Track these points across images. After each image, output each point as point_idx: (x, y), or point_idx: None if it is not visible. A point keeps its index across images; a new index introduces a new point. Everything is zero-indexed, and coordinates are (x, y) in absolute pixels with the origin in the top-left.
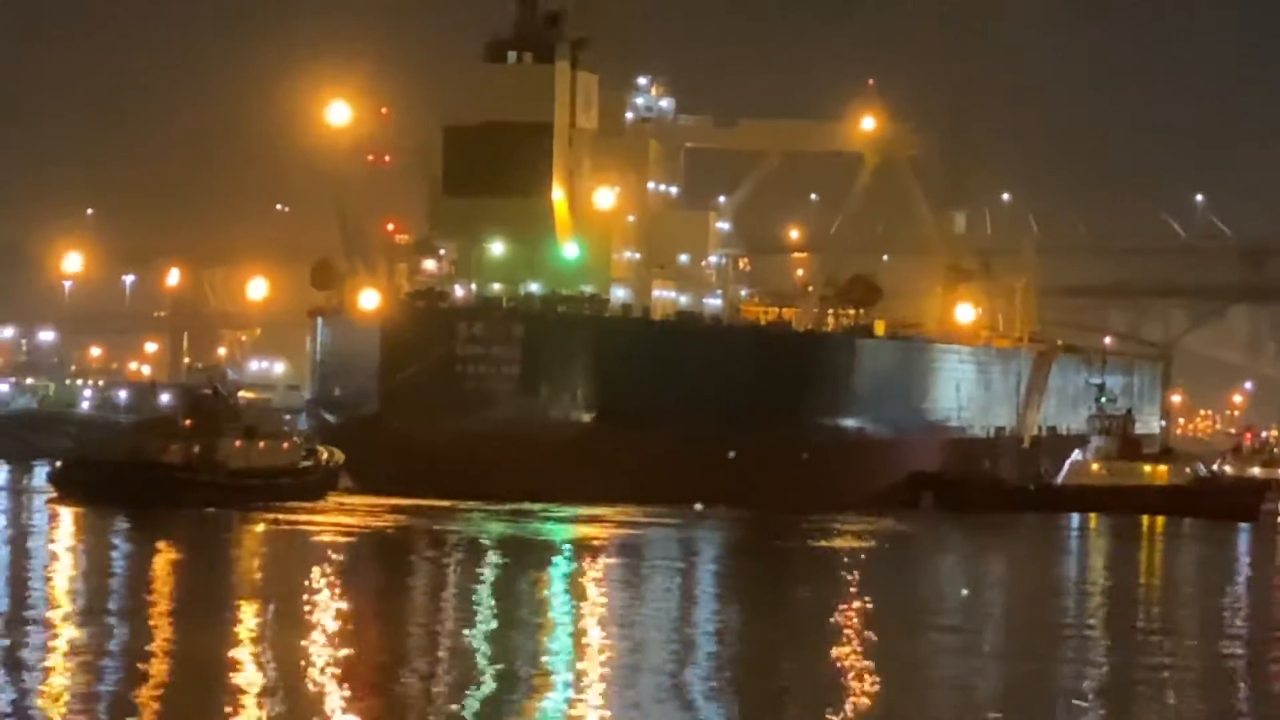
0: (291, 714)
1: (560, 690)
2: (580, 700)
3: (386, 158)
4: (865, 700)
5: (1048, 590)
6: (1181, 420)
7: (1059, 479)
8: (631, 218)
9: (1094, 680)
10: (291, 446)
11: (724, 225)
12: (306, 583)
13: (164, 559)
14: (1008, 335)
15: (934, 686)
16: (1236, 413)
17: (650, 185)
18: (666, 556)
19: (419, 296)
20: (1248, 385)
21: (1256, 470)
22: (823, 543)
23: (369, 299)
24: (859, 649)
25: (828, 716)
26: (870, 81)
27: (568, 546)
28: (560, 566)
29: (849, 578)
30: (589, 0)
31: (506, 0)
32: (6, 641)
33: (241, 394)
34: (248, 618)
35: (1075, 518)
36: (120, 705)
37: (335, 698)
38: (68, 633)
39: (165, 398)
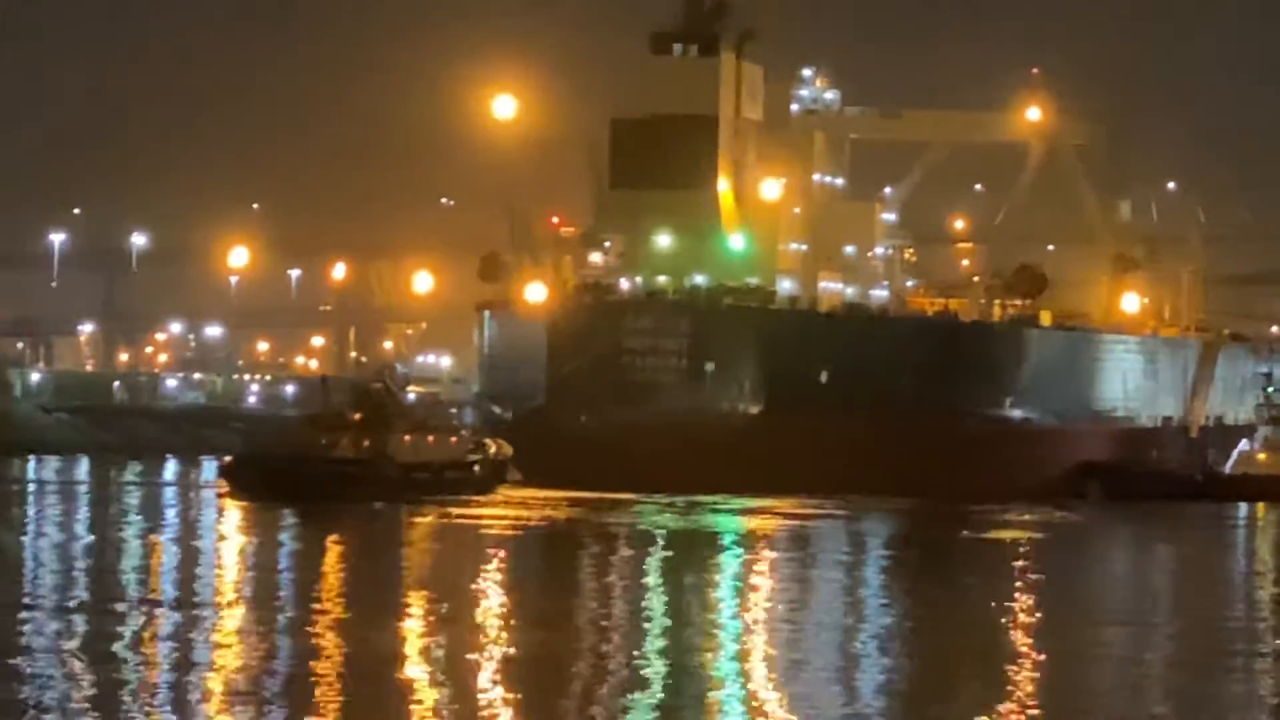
0: (460, 707)
1: (730, 682)
2: (750, 692)
3: (552, 151)
4: (1032, 690)
5: (1217, 580)
6: None
7: (1226, 468)
8: (797, 209)
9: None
10: (459, 440)
11: (889, 216)
12: (475, 576)
13: (333, 553)
14: (1174, 324)
15: (1101, 676)
16: None
17: (816, 177)
18: (834, 547)
19: (586, 289)
20: None
21: None
22: (991, 533)
23: (536, 292)
24: (1028, 639)
25: (996, 708)
26: (1035, 70)
27: (735, 538)
28: (728, 558)
29: (1017, 568)
30: None
31: None
32: (176, 635)
33: (410, 388)
34: (416, 611)
35: (1242, 507)
36: (289, 700)
37: (503, 691)
38: (237, 627)
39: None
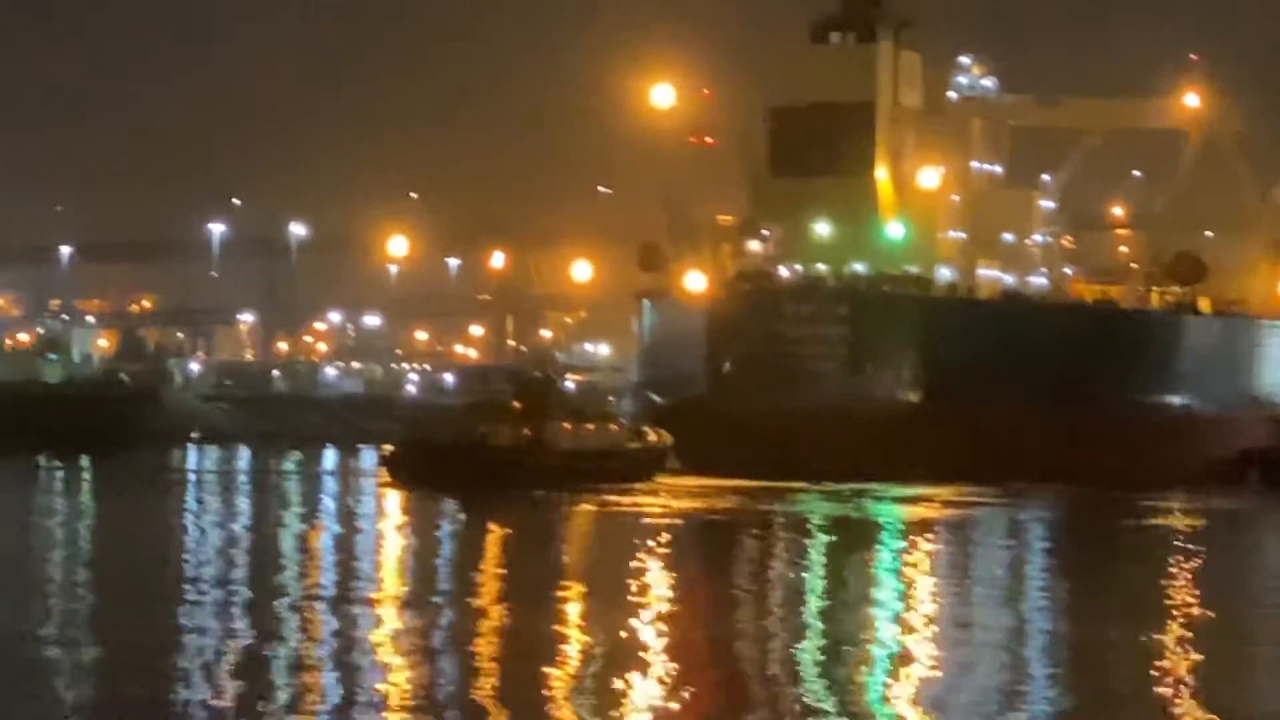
0: (620, 694)
1: (889, 671)
2: (909, 680)
3: (709, 139)
4: (1189, 680)
5: None
6: None
7: None
8: (955, 197)
9: None
10: (619, 428)
11: (1048, 203)
12: (634, 564)
13: (493, 541)
14: None
15: (1262, 666)
16: None
17: (974, 164)
18: (995, 535)
19: (745, 278)
20: None
21: None
22: (1152, 520)
23: (695, 281)
24: (1191, 628)
25: (1157, 693)
26: (1193, 56)
27: (896, 526)
28: (888, 546)
29: (1179, 555)
30: None
31: None
32: (337, 623)
33: (569, 376)
34: (576, 598)
35: None
36: (449, 685)
37: (664, 679)
38: (397, 614)
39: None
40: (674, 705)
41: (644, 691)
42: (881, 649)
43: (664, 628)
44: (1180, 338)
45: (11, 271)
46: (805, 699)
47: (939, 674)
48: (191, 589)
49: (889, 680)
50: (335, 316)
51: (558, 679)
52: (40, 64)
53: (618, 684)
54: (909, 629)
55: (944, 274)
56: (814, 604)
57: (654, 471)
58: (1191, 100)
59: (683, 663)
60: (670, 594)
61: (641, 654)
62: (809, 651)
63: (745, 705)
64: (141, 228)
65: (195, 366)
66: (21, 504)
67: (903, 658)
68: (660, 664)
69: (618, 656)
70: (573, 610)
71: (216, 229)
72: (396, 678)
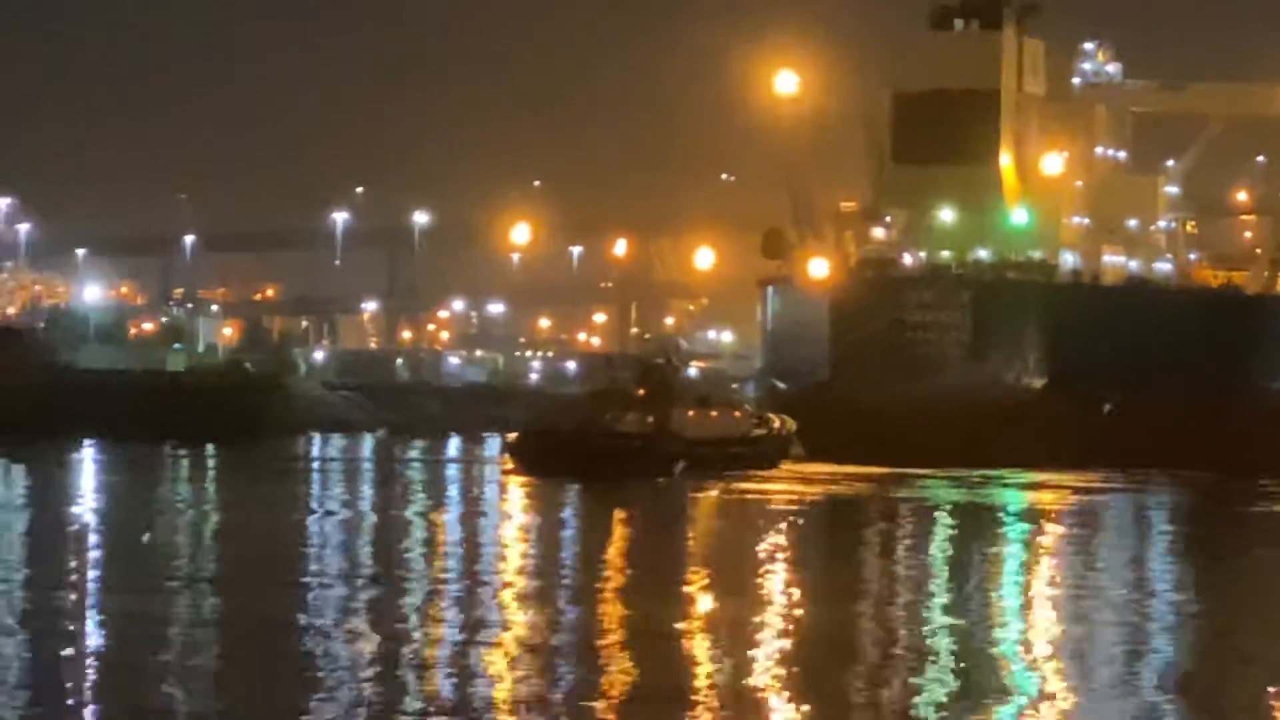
0: (743, 679)
1: (1012, 656)
2: (1035, 668)
3: (833, 126)
4: None
5: None
6: None
7: None
8: (1079, 183)
9: None
10: (743, 415)
11: (1172, 189)
12: (759, 550)
13: (618, 528)
14: None
15: None
16: None
17: (1098, 150)
18: (1119, 522)
19: (868, 265)
20: None
21: None
22: (1278, 506)
23: (818, 267)
24: None
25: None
26: None
27: (1020, 513)
28: (1013, 533)
29: None
30: None
31: None
32: (461, 610)
33: (693, 363)
34: (701, 585)
35: None
36: (571, 674)
37: (786, 663)
38: (520, 603)
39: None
40: (801, 690)
41: (768, 678)
42: (1006, 637)
43: (789, 614)
44: None
45: (136, 261)
46: (931, 686)
47: (1064, 660)
48: (314, 575)
49: (1014, 668)
50: (458, 304)
51: (684, 666)
52: (164, 51)
53: (743, 669)
54: (1033, 615)
55: (1068, 260)
56: (939, 591)
57: (778, 458)
58: None
59: (808, 648)
60: (795, 580)
61: (766, 641)
62: (933, 640)
63: (870, 692)
64: (265, 217)
65: (319, 355)
66: (151, 494)
67: (1027, 644)
68: (785, 650)
69: (742, 642)
70: (698, 597)
71: (340, 217)
72: (513, 656)
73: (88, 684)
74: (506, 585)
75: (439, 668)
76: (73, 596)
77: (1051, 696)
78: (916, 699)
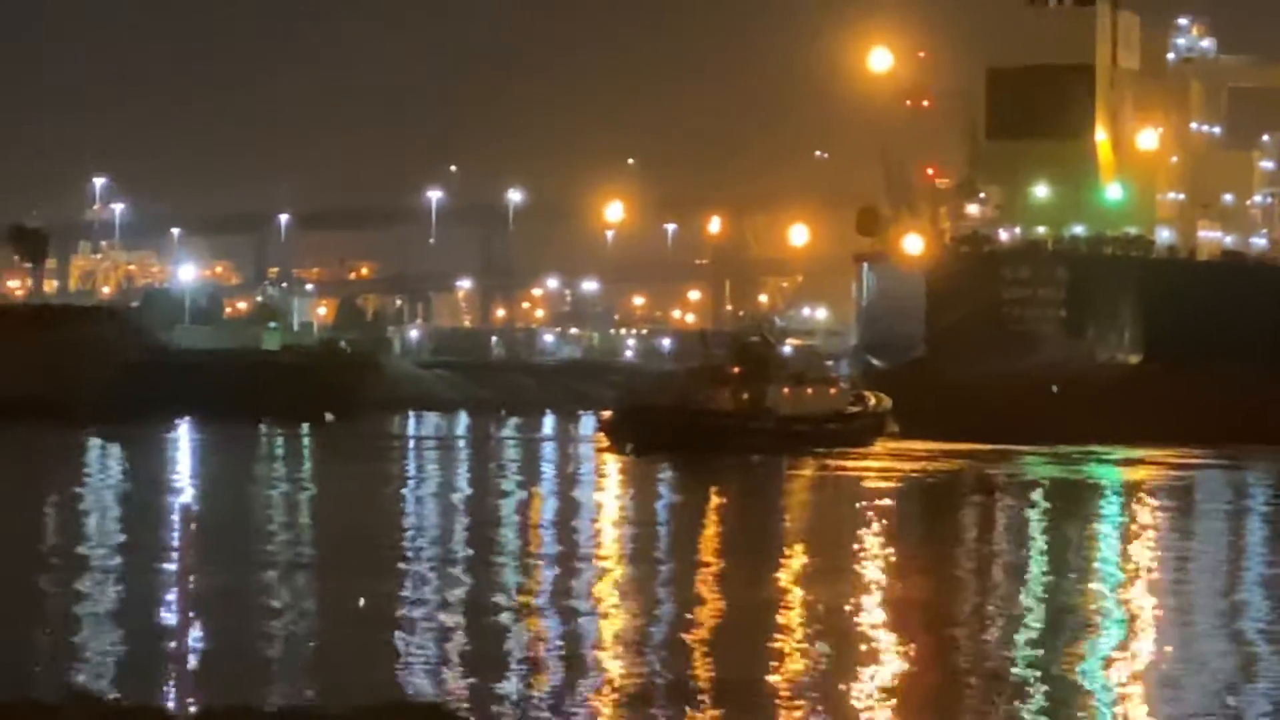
0: (840, 658)
1: (1110, 635)
2: (1131, 646)
3: (926, 102)
4: None
5: None
6: None
7: None
8: (1174, 158)
9: None
10: (838, 392)
11: (1267, 164)
12: (855, 527)
13: (714, 505)
14: None
15: None
16: None
17: (1192, 125)
18: (1216, 498)
19: (963, 240)
20: None
21: None
22: None
23: (913, 244)
24: None
25: None
26: None
27: (1116, 488)
28: (1109, 509)
29: None
30: None
31: None
32: (557, 588)
33: (787, 341)
34: (796, 561)
35: None
36: (669, 650)
37: (884, 643)
38: (617, 578)
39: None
40: (893, 669)
41: (860, 655)
42: (1102, 615)
43: (884, 590)
44: None
45: (230, 240)
46: (1025, 666)
47: (1161, 642)
48: (410, 552)
49: (1111, 647)
50: (553, 282)
51: (778, 642)
52: (258, 29)
53: (836, 648)
54: (1130, 593)
55: (1163, 235)
56: (1035, 568)
57: (874, 435)
58: None
59: (903, 626)
60: (891, 557)
61: (862, 617)
62: (1030, 616)
63: (966, 670)
64: (359, 195)
65: (413, 333)
66: (249, 472)
67: (1124, 623)
68: (880, 627)
69: (837, 620)
70: (794, 572)
71: (434, 196)
72: (611, 633)
73: (190, 663)
74: (602, 561)
75: (536, 645)
76: (170, 573)
77: (1154, 665)
78: (1015, 670)
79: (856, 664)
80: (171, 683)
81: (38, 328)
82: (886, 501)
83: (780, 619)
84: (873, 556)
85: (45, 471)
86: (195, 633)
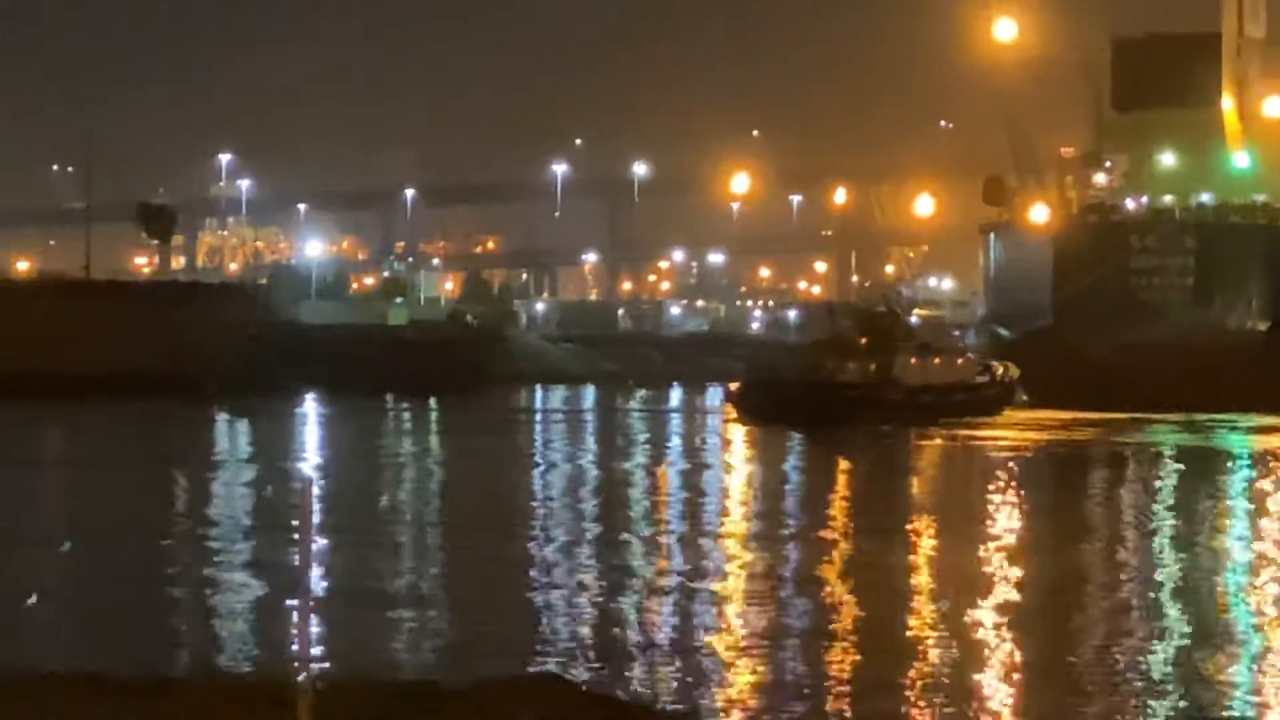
0: (969, 625)
1: (1239, 606)
2: (1258, 615)
3: (1052, 72)
4: None
5: None
6: None
7: None
8: None
9: None
10: (966, 362)
11: None
12: (984, 497)
13: (842, 475)
14: None
15: None
16: None
17: None
18: None
19: (1090, 210)
20: None
21: None
22: None
23: (1039, 213)
24: None
25: None
26: None
27: (1247, 457)
28: (1238, 477)
29: None
30: None
31: None
32: (685, 560)
33: (914, 311)
34: (925, 532)
35: None
36: (797, 620)
37: (1012, 609)
38: (746, 550)
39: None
40: (1025, 638)
41: (995, 624)
42: (1231, 583)
43: (1015, 559)
44: None
45: (356, 215)
46: (1157, 634)
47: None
48: (537, 527)
49: (1239, 615)
50: (679, 255)
51: (910, 611)
52: (383, 5)
53: (969, 618)
54: (1260, 562)
55: None
56: (1164, 537)
57: (1001, 405)
58: None
59: (1034, 595)
60: (1021, 526)
61: (992, 586)
62: (1161, 585)
63: (1094, 639)
64: (484, 169)
65: (540, 307)
66: (375, 446)
67: (1251, 591)
68: (1011, 596)
69: (969, 589)
70: (924, 543)
71: (559, 169)
72: (734, 603)
73: (314, 637)
74: (729, 533)
75: (660, 614)
76: (298, 547)
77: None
78: (1153, 643)
79: (983, 638)
80: (295, 656)
81: (166, 304)
82: (1016, 471)
83: (907, 587)
84: (1001, 525)
85: (175, 446)
86: (320, 608)
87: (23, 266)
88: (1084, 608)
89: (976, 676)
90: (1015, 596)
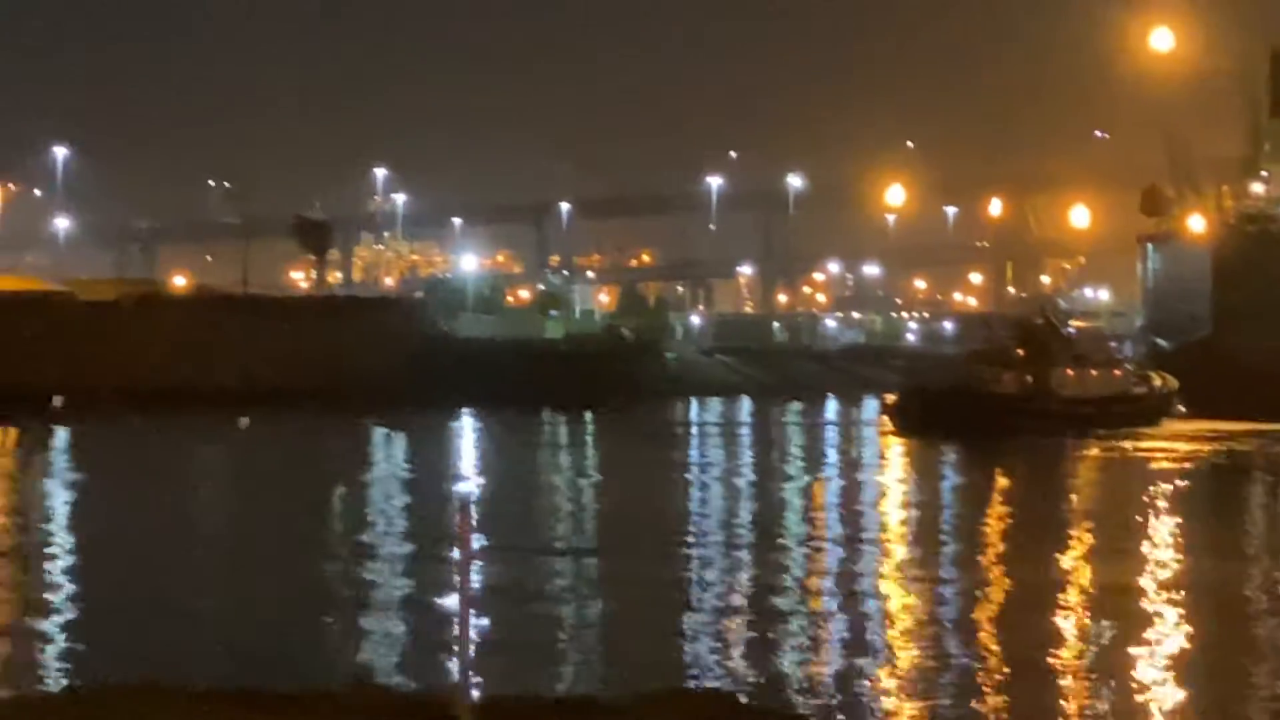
0: (1125, 636)
1: None
2: None
3: (1209, 82)
4: None
5: None
6: None
7: None
8: None
9: None
10: (1123, 373)
11: None
12: (1142, 508)
13: (999, 487)
14: None
15: None
16: None
17: None
18: None
19: (1248, 219)
20: None
21: None
22: None
23: (1198, 223)
24: None
25: None
26: None
27: None
28: None
29: None
30: None
31: None
32: (841, 570)
33: (1071, 322)
34: (1082, 542)
35: None
36: (957, 633)
37: (1170, 621)
38: (901, 559)
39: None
40: (1183, 653)
41: (1154, 638)
42: None
43: (1173, 573)
44: None
45: (510, 228)
46: None
47: None
48: (693, 535)
49: None
50: (834, 267)
51: (1065, 625)
52: (534, 20)
53: (1124, 630)
54: None
55: None
56: None
57: (1160, 416)
58: None
59: (1191, 607)
60: (1180, 539)
61: (1149, 599)
62: None
63: (1257, 655)
64: (639, 182)
65: (695, 320)
66: (532, 459)
67: None
68: (1170, 610)
69: (1125, 601)
70: (1082, 556)
71: (714, 182)
72: (907, 625)
73: (473, 650)
74: (888, 545)
75: (819, 634)
76: (456, 559)
77: None
78: None
79: (1140, 646)
80: (456, 671)
81: (322, 319)
82: (1176, 482)
83: (1066, 599)
84: (1161, 537)
85: (333, 460)
86: (479, 620)
87: (180, 281)
88: (1232, 621)
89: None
90: (1166, 608)
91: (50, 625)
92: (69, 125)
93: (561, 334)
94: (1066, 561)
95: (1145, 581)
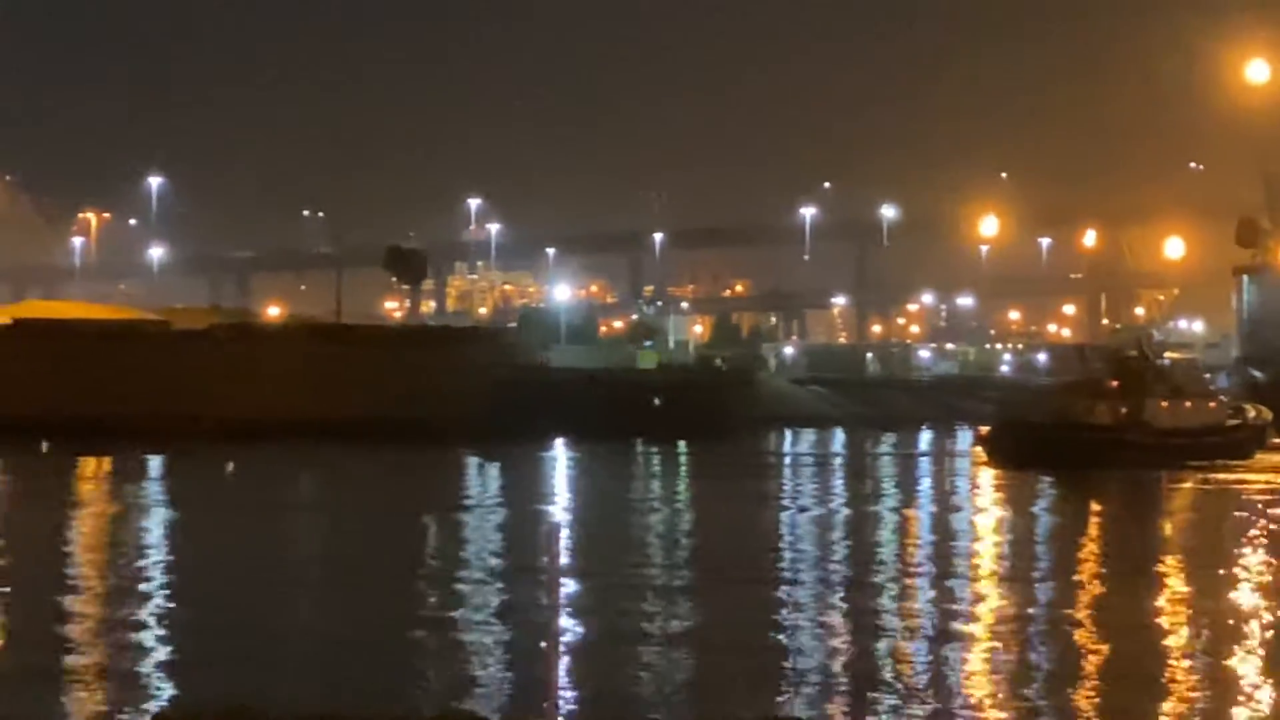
0: (1219, 673)
1: None
2: None
3: None
4: None
5: None
6: None
7: None
8: None
9: None
10: (1217, 405)
11: None
12: (1238, 541)
13: (1095, 519)
14: None
15: None
16: None
17: None
18: None
19: None
20: None
21: None
22: None
23: None
24: None
25: None
26: None
27: None
28: None
29: None
30: None
31: None
32: (931, 606)
33: (1165, 354)
34: (1177, 577)
35: None
36: (1043, 668)
37: (1263, 659)
38: (994, 595)
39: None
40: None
41: (1248, 673)
42: None
43: (1270, 606)
44: None
45: (604, 258)
46: None
47: None
48: (786, 572)
49: None
50: (928, 298)
51: (1164, 655)
52: (632, 49)
53: (1223, 664)
54: None
55: None
56: None
57: (1255, 448)
58: None
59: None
60: (1271, 571)
61: (1247, 634)
62: None
63: None
64: (732, 213)
65: (789, 350)
66: (625, 490)
67: None
68: (1257, 641)
69: (1221, 636)
70: (1177, 587)
71: (807, 212)
72: (983, 652)
73: (562, 684)
74: (981, 577)
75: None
76: (547, 590)
77: None
78: None
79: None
80: (545, 698)
81: (416, 349)
82: (1271, 515)
83: (1159, 631)
84: (1256, 570)
85: (426, 490)
86: (565, 656)
87: (274, 311)
88: None
89: None
90: (1259, 637)
91: (160, 648)
92: (164, 155)
93: (655, 364)
94: (1161, 593)
95: (1244, 614)
